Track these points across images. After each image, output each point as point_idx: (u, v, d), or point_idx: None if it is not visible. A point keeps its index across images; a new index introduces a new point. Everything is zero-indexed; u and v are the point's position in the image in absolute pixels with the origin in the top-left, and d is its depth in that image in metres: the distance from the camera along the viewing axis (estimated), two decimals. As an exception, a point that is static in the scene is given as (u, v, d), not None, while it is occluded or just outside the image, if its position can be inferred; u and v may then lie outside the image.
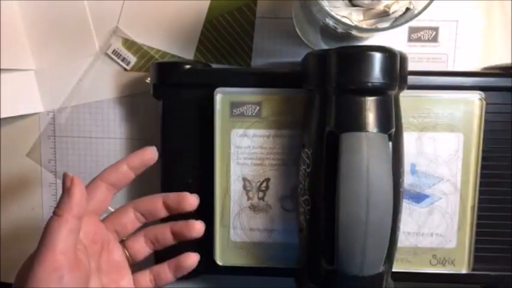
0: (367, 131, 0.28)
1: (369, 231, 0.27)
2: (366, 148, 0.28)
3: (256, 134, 0.36)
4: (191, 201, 0.33)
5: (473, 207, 0.35)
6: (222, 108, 0.36)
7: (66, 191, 0.29)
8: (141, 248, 0.34)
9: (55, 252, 0.27)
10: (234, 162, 0.36)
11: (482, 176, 0.35)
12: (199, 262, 0.36)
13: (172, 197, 0.33)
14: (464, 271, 0.36)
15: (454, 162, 0.35)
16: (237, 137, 0.36)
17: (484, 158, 0.35)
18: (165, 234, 0.34)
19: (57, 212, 0.28)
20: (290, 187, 0.36)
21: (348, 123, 0.29)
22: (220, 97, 0.36)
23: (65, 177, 0.29)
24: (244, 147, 0.36)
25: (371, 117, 0.28)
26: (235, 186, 0.37)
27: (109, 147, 0.44)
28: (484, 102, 0.34)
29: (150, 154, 0.33)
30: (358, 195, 0.27)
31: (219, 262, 0.37)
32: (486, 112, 0.35)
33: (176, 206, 0.33)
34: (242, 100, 0.36)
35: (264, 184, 0.37)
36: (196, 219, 0.35)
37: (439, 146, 0.35)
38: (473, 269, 0.36)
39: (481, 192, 0.35)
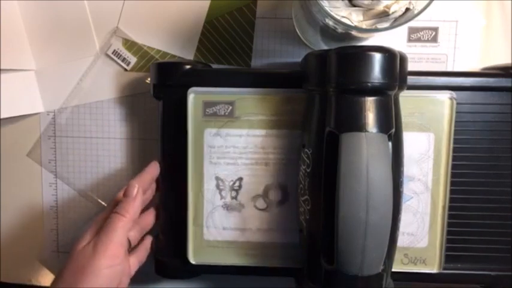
0: (367, 131, 0.28)
1: (368, 231, 0.27)
2: (366, 148, 0.28)
3: (229, 133, 0.36)
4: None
5: (444, 206, 0.35)
6: (194, 108, 0.36)
7: (131, 196, 0.35)
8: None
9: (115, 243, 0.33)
10: (207, 161, 0.37)
11: (479, 176, 0.35)
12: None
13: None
14: (435, 270, 0.36)
15: (425, 161, 0.35)
16: (210, 136, 0.36)
17: (484, 158, 0.35)
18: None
19: (125, 214, 0.34)
20: (263, 186, 0.37)
21: (348, 123, 0.29)
22: (193, 97, 0.36)
23: (132, 186, 0.36)
24: (217, 146, 0.36)
25: (371, 117, 0.28)
26: (209, 186, 0.37)
27: (109, 147, 0.44)
28: (455, 102, 0.34)
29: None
30: (358, 195, 0.27)
31: (192, 261, 0.38)
32: (486, 112, 0.35)
33: None
34: (215, 100, 0.36)
35: (237, 183, 0.37)
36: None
37: (410, 146, 0.35)
38: (445, 268, 0.36)
39: (481, 192, 0.36)
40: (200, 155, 0.37)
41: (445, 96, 0.34)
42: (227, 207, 0.37)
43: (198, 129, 0.36)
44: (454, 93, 0.34)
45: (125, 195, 0.35)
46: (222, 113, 0.36)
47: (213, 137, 0.36)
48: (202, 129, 0.36)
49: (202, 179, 0.37)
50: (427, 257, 0.36)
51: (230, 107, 0.36)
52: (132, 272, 0.37)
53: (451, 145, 0.35)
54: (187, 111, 0.36)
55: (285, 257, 0.37)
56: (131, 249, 0.38)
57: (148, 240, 0.40)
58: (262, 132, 0.36)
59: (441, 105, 0.35)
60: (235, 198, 0.37)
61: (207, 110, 0.36)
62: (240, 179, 0.37)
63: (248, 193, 0.37)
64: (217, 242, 0.38)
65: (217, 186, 0.37)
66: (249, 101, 0.36)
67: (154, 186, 0.39)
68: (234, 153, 0.36)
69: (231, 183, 0.37)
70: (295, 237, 0.37)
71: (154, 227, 0.40)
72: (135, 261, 0.37)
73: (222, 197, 0.37)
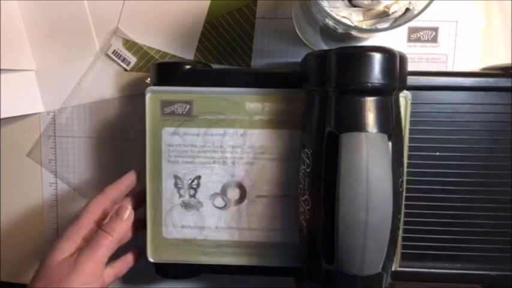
0: (367, 131, 0.28)
1: (368, 231, 0.27)
2: (366, 148, 0.28)
3: (186, 132, 0.37)
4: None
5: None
6: (152, 107, 0.36)
7: (122, 218, 0.36)
8: None
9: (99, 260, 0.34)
10: (166, 160, 0.37)
11: (479, 176, 0.35)
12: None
13: None
14: (392, 268, 0.36)
15: None
16: (168, 135, 0.37)
17: (484, 159, 0.35)
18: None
19: (111, 233, 0.34)
20: (221, 185, 0.37)
21: (348, 123, 0.29)
22: (150, 96, 0.36)
23: (125, 208, 0.36)
24: (175, 145, 0.37)
25: (371, 117, 0.29)
26: (167, 184, 0.37)
27: (109, 147, 0.45)
28: (409, 102, 0.34)
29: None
30: (357, 195, 0.27)
31: (151, 259, 0.38)
32: (486, 112, 0.35)
33: None
34: (172, 99, 0.36)
35: (195, 182, 0.37)
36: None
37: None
38: (401, 266, 0.36)
39: (481, 193, 0.36)
40: (158, 154, 0.37)
41: (400, 96, 0.34)
42: (185, 206, 0.37)
43: (156, 128, 0.37)
44: (409, 94, 0.34)
45: (117, 214, 0.36)
46: (180, 112, 0.36)
47: (171, 136, 0.37)
48: (160, 128, 0.37)
49: (161, 177, 0.37)
50: None
51: (188, 106, 0.36)
52: (107, 282, 0.37)
53: (407, 145, 0.35)
54: (145, 111, 0.37)
55: (254, 255, 0.37)
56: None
57: (130, 256, 0.39)
58: (220, 131, 0.36)
59: None
60: (193, 196, 0.37)
61: (165, 109, 0.36)
62: (198, 177, 0.37)
63: (206, 191, 0.37)
64: (176, 240, 0.38)
65: (176, 184, 0.37)
66: (206, 100, 0.36)
67: (129, 199, 0.39)
68: (192, 151, 0.37)
69: (189, 181, 0.37)
70: (260, 236, 0.37)
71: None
72: (110, 273, 0.37)
73: (180, 196, 0.37)
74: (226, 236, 0.37)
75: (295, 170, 0.36)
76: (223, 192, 0.37)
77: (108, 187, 0.37)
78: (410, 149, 0.35)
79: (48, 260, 0.34)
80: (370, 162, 0.27)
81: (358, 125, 0.28)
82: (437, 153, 0.35)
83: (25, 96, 0.44)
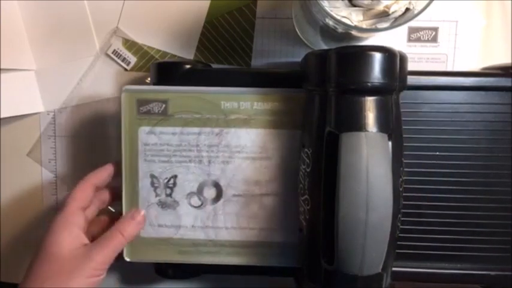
0: (367, 131, 0.28)
1: (368, 231, 0.27)
2: (366, 148, 0.28)
3: (162, 131, 0.37)
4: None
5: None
6: (128, 106, 0.36)
7: (135, 220, 0.36)
8: None
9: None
10: (142, 159, 0.37)
11: (478, 176, 0.35)
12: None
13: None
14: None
15: None
16: (144, 134, 0.37)
17: (484, 158, 0.35)
18: None
19: (123, 232, 0.35)
20: (197, 184, 0.37)
21: (348, 123, 0.29)
22: (125, 95, 0.36)
23: (140, 210, 0.37)
24: (152, 144, 0.37)
25: (371, 117, 0.29)
26: (143, 183, 0.37)
27: (109, 147, 0.44)
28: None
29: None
30: (357, 195, 0.27)
31: (127, 258, 0.38)
32: (486, 112, 0.35)
33: None
34: (148, 98, 0.36)
35: (172, 181, 0.37)
36: None
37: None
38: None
39: (481, 192, 0.36)
40: (135, 153, 0.37)
41: None
42: (162, 205, 0.37)
43: (133, 127, 0.37)
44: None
45: (131, 217, 0.36)
46: (156, 111, 0.36)
47: (147, 135, 0.37)
48: (136, 128, 0.37)
49: (137, 176, 0.37)
50: None
51: (163, 105, 0.36)
52: None
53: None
54: (122, 110, 0.36)
55: (232, 254, 0.37)
56: None
57: None
58: (196, 130, 0.36)
59: None
60: (169, 195, 0.37)
61: (141, 108, 0.36)
62: (175, 176, 0.37)
63: (183, 191, 0.37)
64: (153, 239, 0.38)
65: (152, 183, 0.37)
66: (182, 99, 0.36)
67: (108, 191, 0.39)
68: (168, 151, 0.37)
69: (166, 180, 0.37)
70: (236, 235, 0.37)
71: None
72: None
73: (157, 195, 0.37)
74: (203, 235, 0.37)
75: (273, 168, 0.36)
76: (199, 191, 0.37)
77: (90, 174, 0.37)
78: (411, 148, 0.35)
79: (46, 252, 0.34)
80: (370, 162, 0.27)
81: (358, 125, 0.28)
82: (437, 153, 0.35)
83: (25, 96, 0.44)
